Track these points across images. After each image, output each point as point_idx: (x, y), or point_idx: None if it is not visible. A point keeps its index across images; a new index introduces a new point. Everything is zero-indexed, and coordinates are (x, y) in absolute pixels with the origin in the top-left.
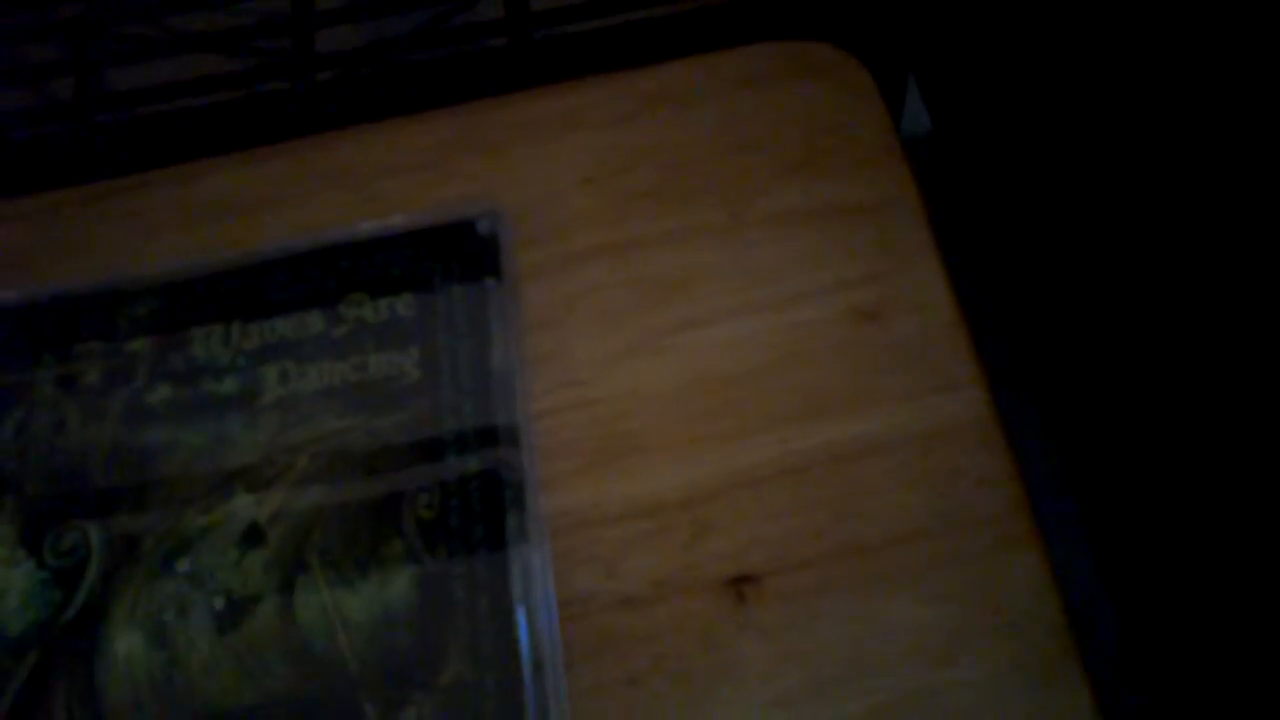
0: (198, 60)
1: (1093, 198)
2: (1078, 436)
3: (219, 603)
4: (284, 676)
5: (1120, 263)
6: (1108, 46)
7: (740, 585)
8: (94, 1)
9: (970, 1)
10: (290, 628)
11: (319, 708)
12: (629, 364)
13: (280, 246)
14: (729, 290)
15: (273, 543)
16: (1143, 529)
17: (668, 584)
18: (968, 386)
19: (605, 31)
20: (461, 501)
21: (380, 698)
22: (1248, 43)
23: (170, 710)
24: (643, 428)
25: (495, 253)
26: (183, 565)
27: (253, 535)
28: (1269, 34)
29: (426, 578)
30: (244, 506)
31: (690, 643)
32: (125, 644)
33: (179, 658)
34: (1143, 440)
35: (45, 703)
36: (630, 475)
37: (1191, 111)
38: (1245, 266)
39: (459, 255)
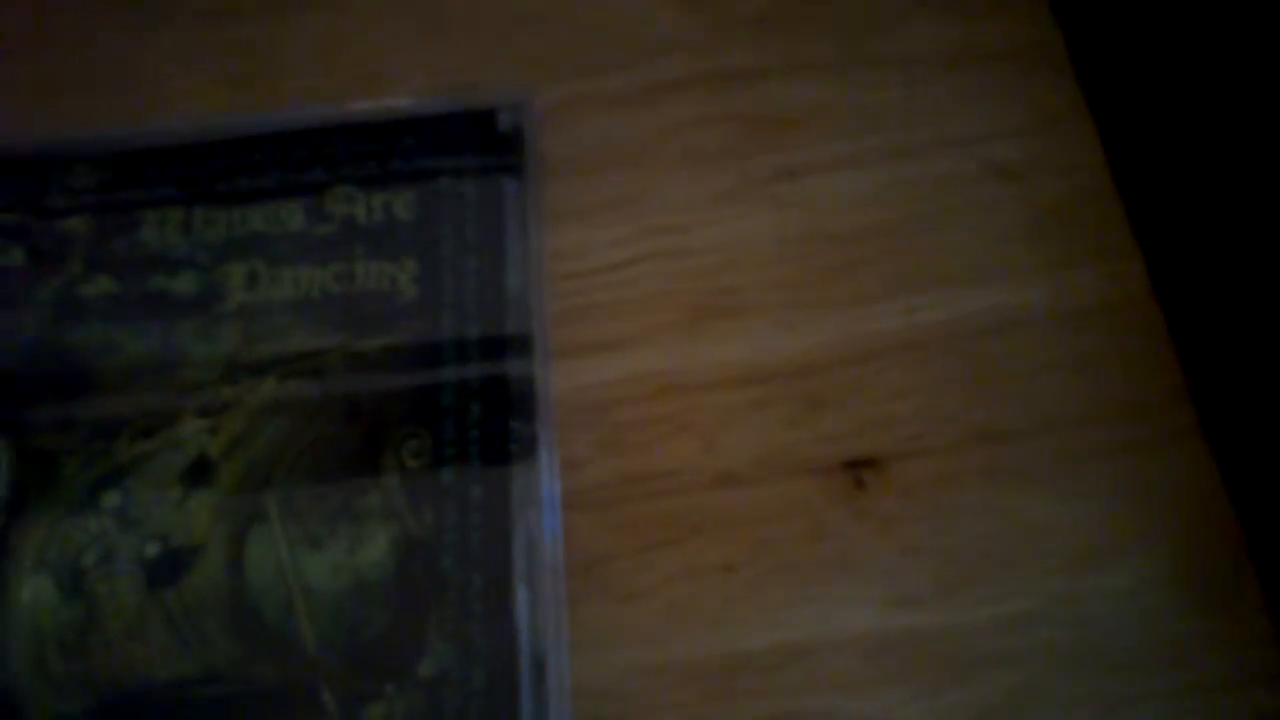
0: None
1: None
2: (1203, 345)
3: (153, 550)
4: (225, 648)
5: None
6: None
7: (859, 469)
8: None
9: None
10: (238, 589)
11: (265, 690)
12: (728, 212)
13: (259, 120)
14: (847, 136)
15: (225, 482)
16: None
17: (774, 463)
18: (1121, 259)
19: None
20: (458, 452)
21: (342, 686)
22: None
23: (82, 676)
24: (747, 284)
25: (519, 151)
26: (110, 500)
27: (201, 470)
28: None
29: (409, 542)
30: (193, 434)
31: (798, 530)
32: (32, 591)
33: (98, 614)
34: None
35: None
36: (731, 338)
37: None
38: None
39: (472, 152)
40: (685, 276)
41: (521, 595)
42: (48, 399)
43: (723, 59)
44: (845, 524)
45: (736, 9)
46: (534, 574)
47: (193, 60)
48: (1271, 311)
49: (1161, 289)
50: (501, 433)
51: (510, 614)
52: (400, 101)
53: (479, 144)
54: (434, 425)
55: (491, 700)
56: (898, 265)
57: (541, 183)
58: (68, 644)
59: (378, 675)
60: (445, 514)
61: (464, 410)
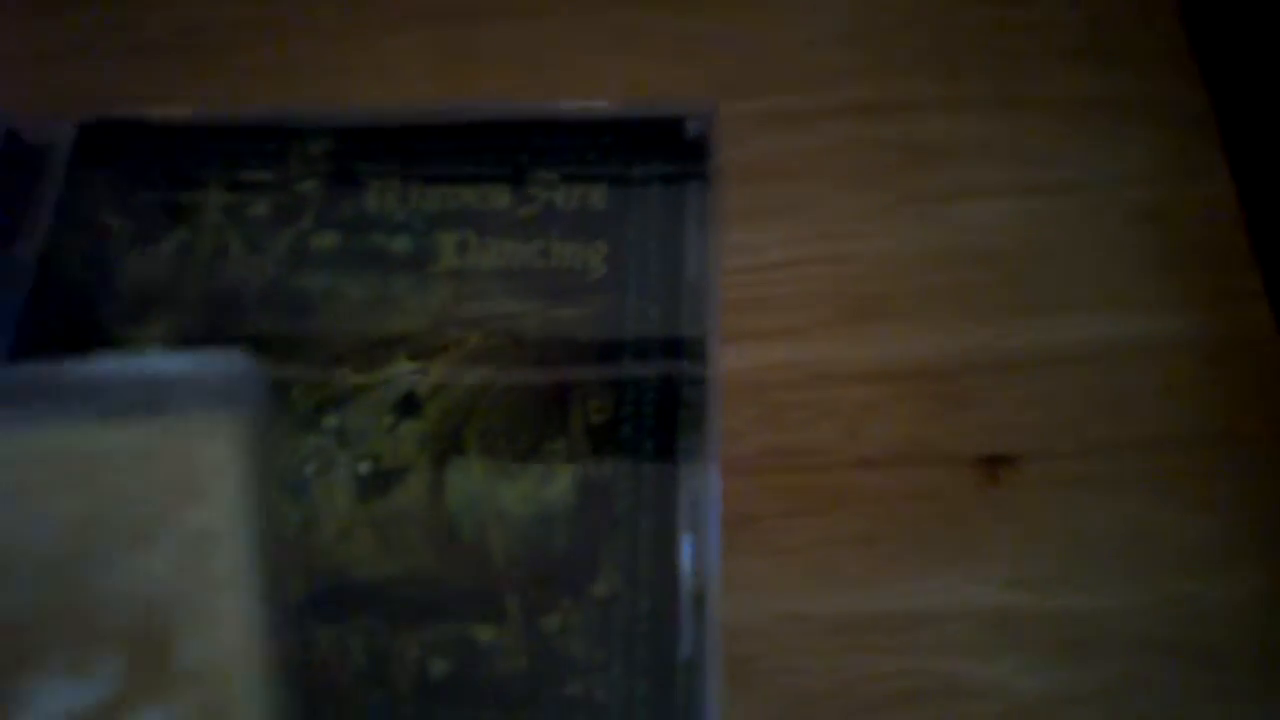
0: None
1: None
2: None
3: (364, 467)
4: (424, 555)
5: None
6: None
7: (994, 465)
8: None
9: None
10: (438, 508)
11: (458, 594)
12: (885, 225)
13: (474, 109)
14: (997, 168)
15: (430, 416)
16: None
17: (913, 451)
18: (1251, 299)
19: None
20: (635, 411)
21: (525, 596)
22: None
23: (301, 566)
24: (897, 292)
25: (702, 157)
26: (330, 422)
27: (409, 404)
28: None
29: (588, 483)
30: (404, 373)
31: (932, 512)
32: None
33: (315, 517)
34: None
35: None
36: (880, 338)
37: None
38: None
39: (662, 154)
40: (841, 280)
41: (685, 540)
42: (282, 331)
43: (885, 91)
44: (975, 511)
45: (898, 48)
46: (696, 524)
47: (414, 55)
48: None
49: None
50: (674, 400)
51: (674, 555)
52: (601, 104)
53: (668, 147)
54: (616, 387)
55: (656, 623)
56: (1037, 287)
57: (718, 186)
58: (290, 540)
59: (556, 591)
60: (621, 464)
61: (642, 376)
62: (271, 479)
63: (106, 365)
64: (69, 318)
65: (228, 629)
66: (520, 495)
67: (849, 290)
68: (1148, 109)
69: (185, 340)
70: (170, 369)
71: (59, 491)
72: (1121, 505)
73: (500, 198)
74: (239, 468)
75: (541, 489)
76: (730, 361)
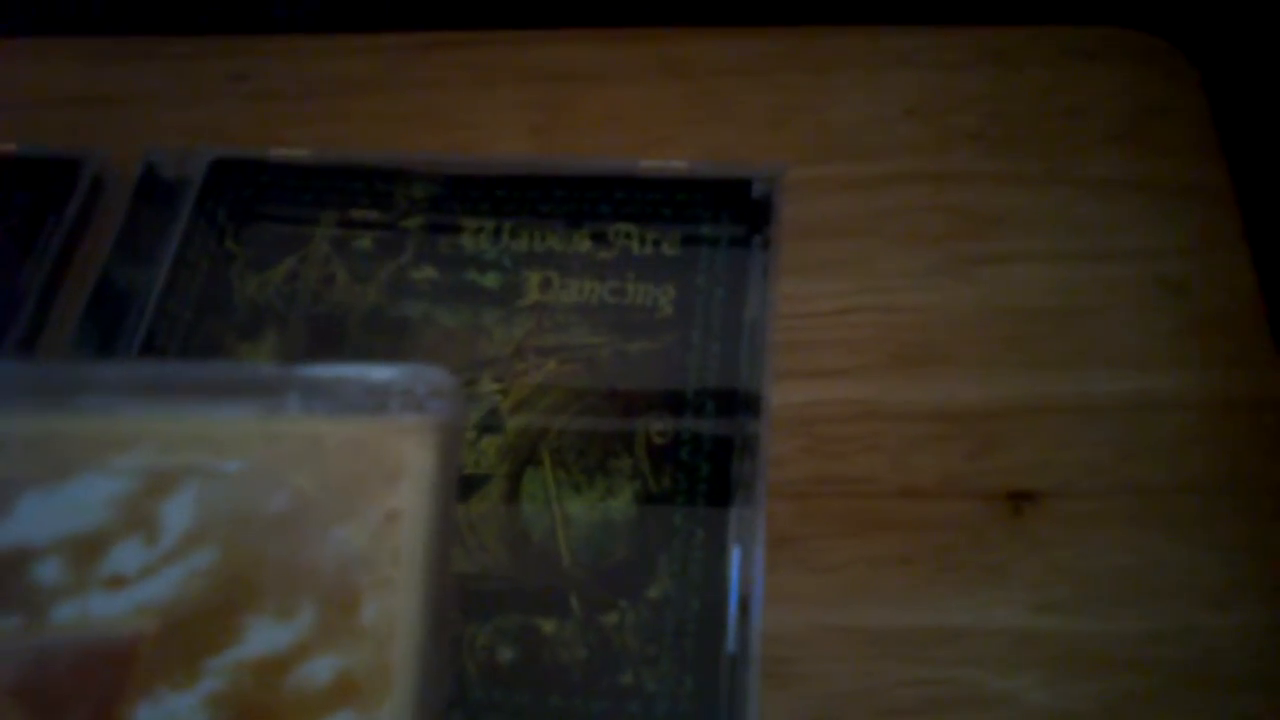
0: None
1: None
2: None
3: None
4: (499, 555)
5: None
6: None
7: (1019, 500)
8: None
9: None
10: (513, 513)
11: (527, 591)
12: (932, 282)
13: (561, 164)
14: (1042, 236)
15: (510, 432)
16: None
17: (950, 484)
18: (1266, 367)
19: None
20: (693, 437)
21: (587, 595)
22: None
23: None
24: (940, 341)
25: (766, 215)
26: None
27: (492, 420)
28: None
29: (649, 498)
30: (488, 393)
31: (965, 539)
32: None
33: None
34: None
35: None
36: (923, 382)
37: None
38: None
39: (730, 210)
40: (889, 328)
41: (735, 551)
42: (381, 352)
43: (941, 163)
44: (1004, 542)
45: (958, 125)
46: (744, 538)
47: (515, 112)
48: None
49: None
50: (728, 427)
51: (723, 564)
52: (678, 164)
53: (736, 205)
54: (677, 413)
55: (703, 624)
56: (1072, 344)
57: (780, 241)
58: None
59: (615, 592)
60: (679, 481)
61: (701, 405)
62: (455, 474)
63: (341, 370)
64: (189, 328)
65: (400, 597)
66: (587, 504)
67: (896, 338)
68: (1177, 190)
69: (291, 358)
70: (387, 378)
71: (293, 467)
72: (1137, 542)
73: (582, 243)
74: (430, 462)
75: (606, 500)
76: (783, 397)
